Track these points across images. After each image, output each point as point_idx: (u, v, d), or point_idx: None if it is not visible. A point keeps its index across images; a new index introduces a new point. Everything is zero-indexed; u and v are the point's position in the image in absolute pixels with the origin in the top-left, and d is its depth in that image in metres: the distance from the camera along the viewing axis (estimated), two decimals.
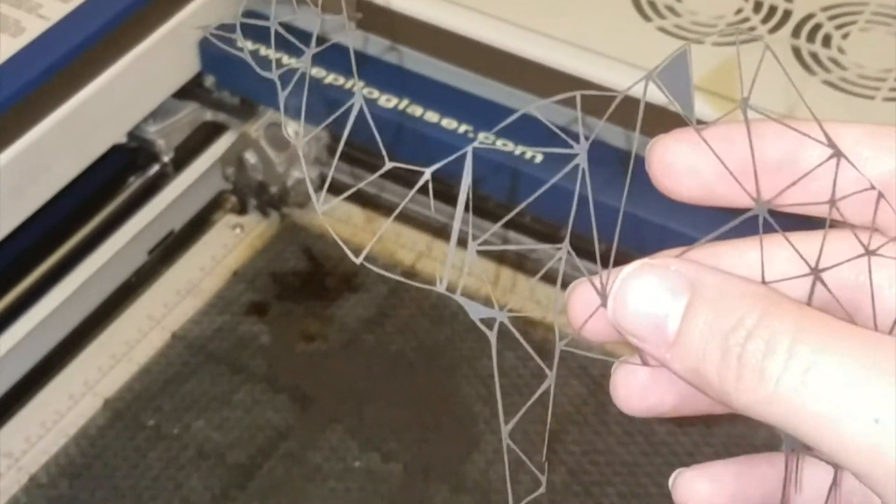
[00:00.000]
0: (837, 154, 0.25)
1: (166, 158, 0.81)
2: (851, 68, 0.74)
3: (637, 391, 0.29)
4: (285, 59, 0.64)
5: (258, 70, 0.27)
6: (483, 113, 0.74)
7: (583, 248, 0.28)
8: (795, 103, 0.64)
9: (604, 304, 0.26)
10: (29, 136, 0.69)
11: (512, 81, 0.75)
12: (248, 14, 0.29)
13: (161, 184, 0.81)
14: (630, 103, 0.27)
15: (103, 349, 0.75)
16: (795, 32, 0.77)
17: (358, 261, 0.26)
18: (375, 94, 0.76)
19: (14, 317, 0.73)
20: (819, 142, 0.25)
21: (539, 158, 0.71)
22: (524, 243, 0.74)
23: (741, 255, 0.28)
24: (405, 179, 0.76)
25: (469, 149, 0.26)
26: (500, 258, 0.77)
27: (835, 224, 0.27)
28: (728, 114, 0.27)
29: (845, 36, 0.76)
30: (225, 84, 0.81)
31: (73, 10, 0.72)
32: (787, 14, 0.78)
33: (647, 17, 0.78)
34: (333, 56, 0.78)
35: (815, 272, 0.26)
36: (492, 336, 0.27)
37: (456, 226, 0.26)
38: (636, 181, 0.27)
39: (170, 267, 0.79)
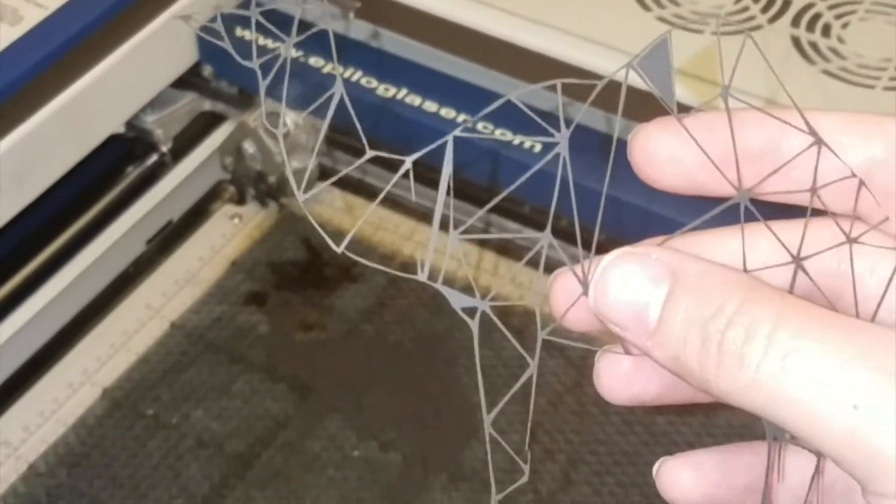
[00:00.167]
0: (818, 142, 0.25)
1: (164, 148, 0.81)
2: (851, 58, 0.74)
3: (620, 380, 0.29)
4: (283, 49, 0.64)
5: (238, 59, 0.27)
6: (477, 100, 0.74)
7: (567, 232, 0.28)
8: (783, 91, 0.64)
9: (585, 293, 0.26)
10: (26, 126, 0.69)
11: (508, 70, 0.75)
12: (246, 5, 0.29)
13: (159, 174, 0.81)
14: (618, 88, 0.27)
15: (102, 339, 0.75)
16: (795, 22, 0.76)
17: (339, 250, 0.26)
18: (374, 83, 0.76)
19: (13, 306, 0.73)
20: (800, 130, 0.25)
21: (526, 143, 0.71)
22: (508, 227, 0.74)
23: (723, 244, 0.28)
24: (417, 175, 0.76)
25: (450, 137, 0.26)
26: (482, 241, 0.77)
27: (817, 212, 0.27)
28: (710, 101, 0.27)
29: (845, 26, 0.76)
30: (223, 74, 0.81)
31: None
32: (786, 3, 0.78)
33: (646, 7, 0.77)
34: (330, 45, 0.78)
35: (797, 260, 0.26)
36: (473, 325, 0.27)
37: (437, 215, 0.26)
38: (619, 166, 0.27)
39: (168, 257, 0.79)
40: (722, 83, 0.25)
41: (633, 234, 0.28)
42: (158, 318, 0.76)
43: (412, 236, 0.79)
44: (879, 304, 0.27)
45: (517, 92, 0.26)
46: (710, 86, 0.68)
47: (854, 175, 0.26)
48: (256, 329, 0.75)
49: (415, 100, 0.75)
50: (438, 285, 0.27)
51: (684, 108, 0.27)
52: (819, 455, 0.26)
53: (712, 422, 0.70)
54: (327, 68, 0.76)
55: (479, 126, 0.72)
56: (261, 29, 0.29)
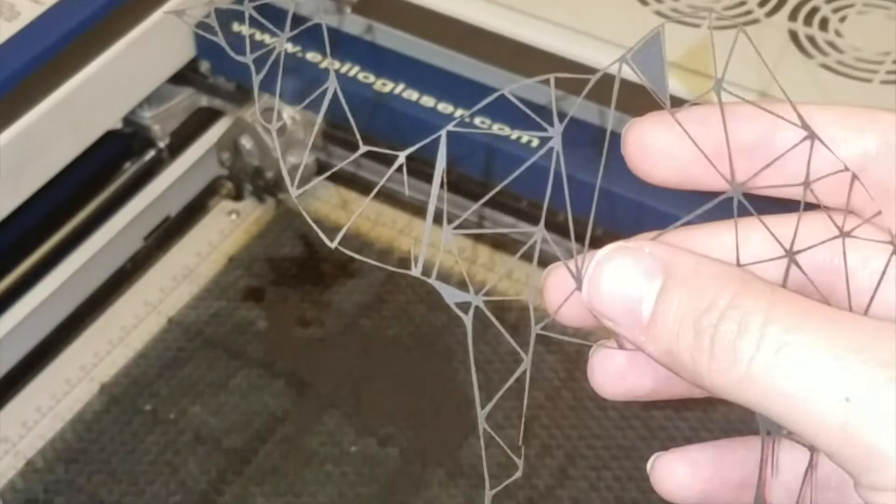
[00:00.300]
0: (811, 136, 0.25)
1: (162, 144, 0.81)
2: (849, 51, 0.74)
3: (614, 375, 0.29)
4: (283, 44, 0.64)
5: (232, 54, 0.27)
6: (475, 95, 0.73)
7: (562, 226, 0.28)
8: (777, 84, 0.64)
9: (579, 288, 0.26)
10: (23, 122, 0.69)
11: (506, 65, 0.75)
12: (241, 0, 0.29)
13: (157, 169, 0.81)
14: (613, 82, 0.27)
15: (100, 334, 0.75)
16: (793, 16, 0.76)
17: (332, 245, 0.26)
18: (371, 78, 0.76)
19: (10, 302, 0.73)
20: (794, 124, 0.25)
21: (523, 138, 0.71)
22: (503, 221, 0.74)
23: (716, 238, 0.28)
24: (413, 169, 0.75)
25: (443, 132, 0.26)
26: (478, 236, 0.77)
27: (811, 207, 0.27)
28: (702, 95, 0.27)
29: (843, 19, 0.76)
30: (220, 69, 0.81)
31: None
32: None
33: (644, 2, 0.77)
34: (332, 40, 0.78)
35: (790, 254, 0.26)
36: (467, 320, 0.27)
37: (430, 210, 0.26)
38: (613, 160, 0.27)
39: (166, 252, 0.79)
40: (715, 77, 0.25)
41: (627, 228, 0.28)
42: (156, 314, 0.76)
43: (409, 231, 0.79)
44: (872, 298, 0.27)
45: (511, 87, 0.26)
46: (706, 79, 0.68)
47: (847, 169, 0.26)
48: (254, 325, 0.75)
49: (412, 94, 0.75)
50: (432, 280, 0.27)
51: (679, 102, 0.27)
52: (812, 449, 0.26)
53: (710, 416, 0.70)
54: (324, 63, 0.76)
55: (477, 121, 0.72)
56: (257, 24, 0.29)
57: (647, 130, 0.28)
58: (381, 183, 0.27)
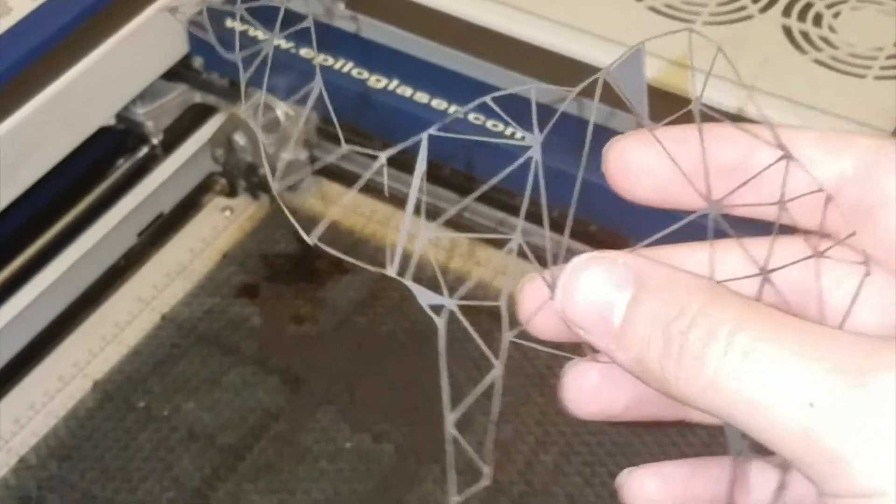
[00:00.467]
0: (787, 156, 0.25)
1: (155, 140, 0.81)
2: (842, 47, 0.74)
3: (588, 392, 0.29)
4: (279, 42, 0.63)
5: (221, 52, 0.27)
6: (469, 91, 0.73)
7: (541, 220, 0.28)
8: (760, 100, 0.64)
9: (553, 297, 0.26)
10: (16, 117, 0.69)
11: (501, 61, 0.75)
12: None
13: (150, 166, 0.80)
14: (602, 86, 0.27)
15: (93, 331, 0.75)
16: (786, 11, 0.76)
17: (311, 241, 0.26)
18: (365, 74, 0.76)
19: (3, 298, 0.73)
20: (771, 144, 0.25)
21: (506, 135, 0.70)
22: (487, 214, 0.73)
23: (691, 255, 0.28)
24: (404, 164, 0.75)
25: (424, 135, 0.26)
26: (457, 228, 0.76)
27: (787, 229, 0.27)
28: (680, 114, 0.27)
29: (836, 15, 0.76)
30: (213, 65, 0.80)
31: None
32: None
33: None
34: (326, 36, 0.77)
35: (764, 273, 0.26)
36: (440, 322, 0.27)
37: (409, 210, 0.25)
38: (593, 174, 0.27)
39: (159, 249, 0.79)
40: (694, 95, 0.25)
41: (608, 234, 0.28)
42: (149, 311, 0.76)
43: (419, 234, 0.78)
44: (845, 319, 0.27)
45: (492, 94, 0.26)
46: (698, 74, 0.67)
47: (821, 190, 0.26)
48: (248, 321, 0.75)
49: (406, 91, 0.75)
50: (406, 281, 0.27)
51: (667, 108, 0.27)
52: (784, 468, 0.26)
53: None
54: (318, 59, 0.76)
55: (471, 116, 0.72)
56: (250, 21, 0.29)
57: (628, 148, 0.28)
58: (361, 183, 0.27)
